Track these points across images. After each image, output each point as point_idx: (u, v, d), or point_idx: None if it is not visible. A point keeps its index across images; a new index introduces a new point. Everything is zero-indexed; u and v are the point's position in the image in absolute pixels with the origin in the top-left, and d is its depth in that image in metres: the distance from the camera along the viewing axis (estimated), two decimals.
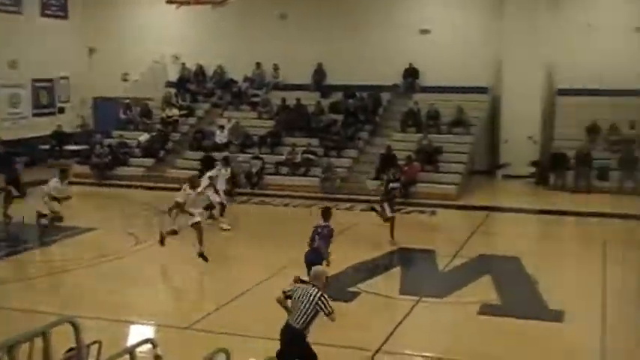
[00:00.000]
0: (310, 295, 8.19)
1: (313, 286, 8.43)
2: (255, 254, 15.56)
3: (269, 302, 8.75)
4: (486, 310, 11.97)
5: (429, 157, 23.69)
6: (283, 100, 27.44)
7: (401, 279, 13.77)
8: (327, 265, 11.44)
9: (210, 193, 17.41)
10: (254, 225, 19.53)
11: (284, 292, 8.52)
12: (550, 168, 24.22)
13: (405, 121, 26.03)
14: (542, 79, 25.76)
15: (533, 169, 24.95)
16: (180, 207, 14.46)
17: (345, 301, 12.15)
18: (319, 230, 12.13)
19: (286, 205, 21.36)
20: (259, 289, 12.61)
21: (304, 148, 24.78)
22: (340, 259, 14.17)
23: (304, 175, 23.76)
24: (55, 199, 16.22)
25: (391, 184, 16.52)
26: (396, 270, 14.47)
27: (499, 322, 11.50)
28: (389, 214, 16.22)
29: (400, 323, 11.13)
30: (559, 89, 25.99)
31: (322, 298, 8.20)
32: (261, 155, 24.70)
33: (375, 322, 11.37)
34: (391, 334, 10.71)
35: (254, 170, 24.06)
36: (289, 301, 8.42)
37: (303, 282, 9.67)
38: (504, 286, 13.22)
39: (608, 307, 11.96)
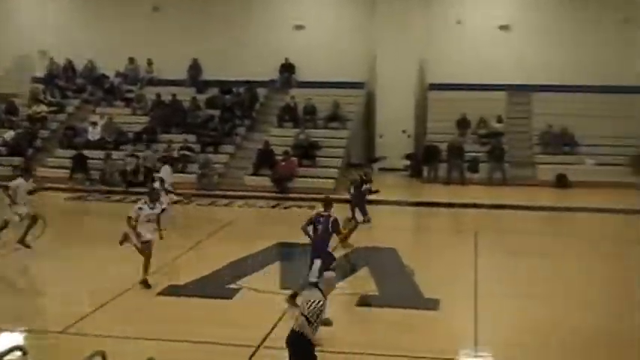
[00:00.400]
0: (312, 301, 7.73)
1: (319, 289, 7.98)
2: (129, 255, 15.10)
3: (143, 303, 8.50)
4: (365, 301, 12.16)
5: (307, 151, 23.84)
6: (158, 95, 26.86)
7: (281, 274, 13.73)
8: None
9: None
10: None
11: None
12: (424, 161, 24.92)
13: (281, 116, 26.08)
14: (414, 74, 26.47)
15: (407, 162, 25.62)
16: None
17: (226, 298, 12.01)
18: (320, 219, 11.56)
19: None
20: (134, 290, 12.26)
21: (181, 145, 24.35)
22: (219, 255, 14.00)
23: (182, 171, 23.33)
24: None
25: (365, 186, 16.21)
26: (276, 265, 14.43)
27: (377, 313, 11.70)
28: (361, 218, 15.94)
29: (281, 318, 11.09)
30: (431, 84, 26.79)
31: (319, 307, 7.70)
32: (137, 153, 24.08)
33: (257, 318, 11.26)
34: (272, 329, 10.65)
35: (129, 168, 23.41)
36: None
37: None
38: (382, 277, 13.46)
39: (480, 294, 12.41)
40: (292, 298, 11.30)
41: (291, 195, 21.46)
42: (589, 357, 9.96)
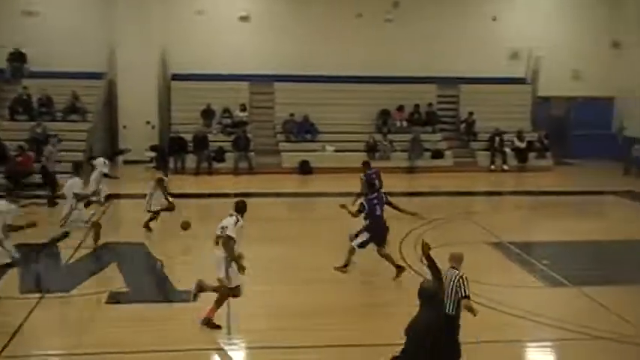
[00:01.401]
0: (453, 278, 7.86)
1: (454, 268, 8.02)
2: None
3: None
4: (115, 298, 11.72)
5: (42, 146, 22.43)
6: None
7: (20, 277, 12.76)
8: None
9: None
10: None
11: None
12: (169, 152, 24.58)
13: (14, 108, 24.29)
14: (156, 64, 25.94)
15: (153, 154, 25.06)
16: None
17: None
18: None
19: None
20: None
21: None
22: None
23: None
24: None
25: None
26: (15, 270, 13.37)
27: (128, 309, 11.31)
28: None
29: (22, 325, 10.32)
30: (174, 74, 26.47)
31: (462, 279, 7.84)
32: None
33: None
34: (12, 337, 9.87)
35: None
36: None
37: None
38: (131, 273, 13.06)
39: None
40: None
41: (28, 192, 20.04)
42: (343, 333, 10.41)
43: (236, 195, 20.02)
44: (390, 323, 9.63)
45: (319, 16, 26.95)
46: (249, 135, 25.33)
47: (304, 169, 24.70)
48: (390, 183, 21.79)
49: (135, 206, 19.77)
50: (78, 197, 13.97)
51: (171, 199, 16.44)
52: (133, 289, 12.24)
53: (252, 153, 24.97)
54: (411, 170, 25.25)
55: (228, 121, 25.91)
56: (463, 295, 7.83)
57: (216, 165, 24.45)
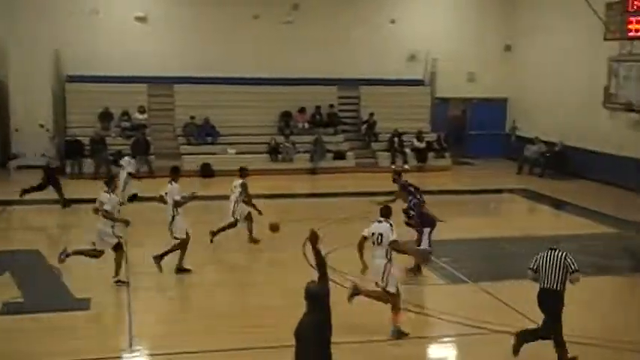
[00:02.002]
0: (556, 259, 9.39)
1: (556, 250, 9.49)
2: None
3: None
4: (9, 309, 11.24)
5: None
6: None
7: None
8: None
9: None
10: None
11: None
12: (66, 156, 23.81)
13: None
14: (50, 65, 25.04)
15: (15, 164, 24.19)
16: None
17: None
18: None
19: None
20: None
21: None
22: None
23: None
24: None
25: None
26: None
27: (23, 320, 10.86)
28: None
29: None
30: (69, 76, 25.62)
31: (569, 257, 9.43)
32: None
33: None
34: None
35: None
36: None
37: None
38: (26, 282, 12.55)
39: (133, 287, 12.23)
40: None
41: None
42: (240, 333, 10.33)
43: (131, 199, 19.60)
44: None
45: (219, 17, 26.65)
46: (148, 138, 24.82)
47: (206, 172, 24.43)
48: (293, 185, 21.97)
49: (27, 213, 19.11)
50: (177, 204, 13.26)
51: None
52: (28, 299, 11.77)
53: (153, 156, 24.48)
54: (313, 172, 25.37)
55: (127, 124, 25.32)
56: (573, 269, 9.35)
57: (116, 169, 23.78)
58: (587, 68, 23.79)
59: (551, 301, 9.39)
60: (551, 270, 9.37)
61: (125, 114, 25.46)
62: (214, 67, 26.09)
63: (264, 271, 14.24)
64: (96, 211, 12.48)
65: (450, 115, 29.86)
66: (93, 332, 10.37)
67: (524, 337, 9.63)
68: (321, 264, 7.06)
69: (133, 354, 9.78)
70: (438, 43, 28.03)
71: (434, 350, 10.62)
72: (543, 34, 26.84)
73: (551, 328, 9.38)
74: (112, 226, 12.38)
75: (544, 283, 9.43)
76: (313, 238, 7.23)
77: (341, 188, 22.83)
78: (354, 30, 27.49)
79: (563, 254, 9.45)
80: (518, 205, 21.99)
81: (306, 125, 26.95)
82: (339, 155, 26.24)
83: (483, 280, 13.30)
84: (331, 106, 27.56)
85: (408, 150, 26.73)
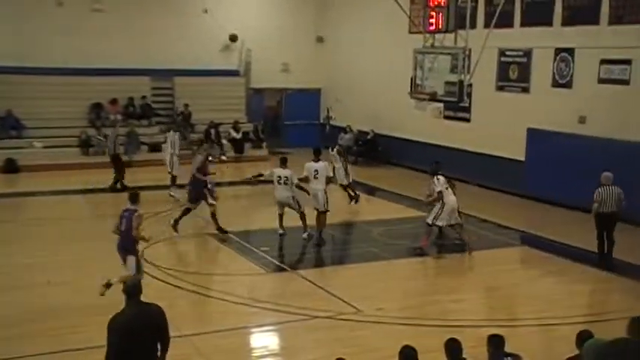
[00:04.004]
0: None
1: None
2: None
3: None
4: None
5: None
6: None
7: None
8: None
9: None
10: None
11: None
12: None
13: None
14: None
15: None
16: None
17: None
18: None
19: None
20: None
21: None
22: None
23: None
24: None
25: None
26: None
27: None
28: None
29: None
30: None
31: None
32: None
33: None
34: None
35: None
36: None
37: None
38: None
39: None
40: None
41: None
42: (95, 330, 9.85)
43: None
44: None
45: (18, 3, 25.10)
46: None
47: (10, 167, 22.99)
48: (105, 178, 21.13)
49: None
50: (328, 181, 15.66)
51: None
52: None
53: None
54: (128, 164, 24.57)
55: None
56: None
57: None
58: (395, 60, 24.76)
59: None
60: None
61: None
62: (17, 56, 24.51)
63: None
64: None
65: (265, 105, 30.08)
66: None
67: None
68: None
69: None
70: (252, 34, 28.11)
71: (257, 340, 10.63)
72: (354, 27, 27.72)
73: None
74: None
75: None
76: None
77: (158, 181, 22.29)
78: (168, 19, 26.96)
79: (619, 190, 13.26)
80: (333, 191, 22.52)
81: (119, 117, 26.05)
82: (155, 147, 25.61)
83: (301, 268, 13.56)
84: (144, 97, 26.83)
85: (224, 141, 26.62)
